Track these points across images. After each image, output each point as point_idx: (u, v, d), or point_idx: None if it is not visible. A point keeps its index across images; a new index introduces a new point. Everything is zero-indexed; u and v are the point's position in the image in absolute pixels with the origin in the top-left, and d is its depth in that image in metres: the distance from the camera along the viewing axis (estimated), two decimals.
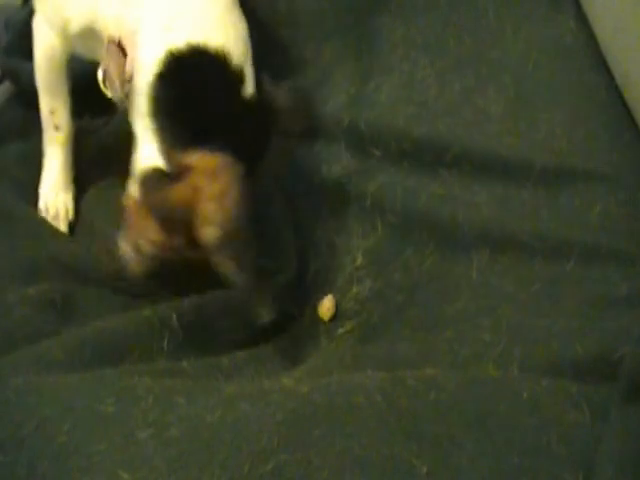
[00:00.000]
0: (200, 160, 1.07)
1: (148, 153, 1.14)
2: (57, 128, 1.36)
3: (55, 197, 1.39)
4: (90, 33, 1.23)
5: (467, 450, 0.86)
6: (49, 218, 1.38)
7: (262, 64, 1.19)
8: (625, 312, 1.08)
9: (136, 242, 1.11)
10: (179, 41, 1.12)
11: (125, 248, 1.12)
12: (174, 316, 1.12)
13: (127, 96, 1.17)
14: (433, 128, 1.36)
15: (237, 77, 1.14)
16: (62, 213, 1.39)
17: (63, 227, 1.38)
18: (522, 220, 1.24)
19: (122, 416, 0.91)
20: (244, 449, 0.86)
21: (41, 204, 1.39)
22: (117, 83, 1.18)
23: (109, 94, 1.21)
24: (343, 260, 1.28)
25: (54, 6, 1.27)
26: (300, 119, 1.24)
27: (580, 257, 1.17)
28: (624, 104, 1.37)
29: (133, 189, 1.14)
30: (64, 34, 1.27)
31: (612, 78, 1.40)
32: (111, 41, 1.18)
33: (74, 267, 1.25)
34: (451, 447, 0.86)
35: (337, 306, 1.25)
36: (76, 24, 1.23)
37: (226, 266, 1.05)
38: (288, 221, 1.32)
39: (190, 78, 1.13)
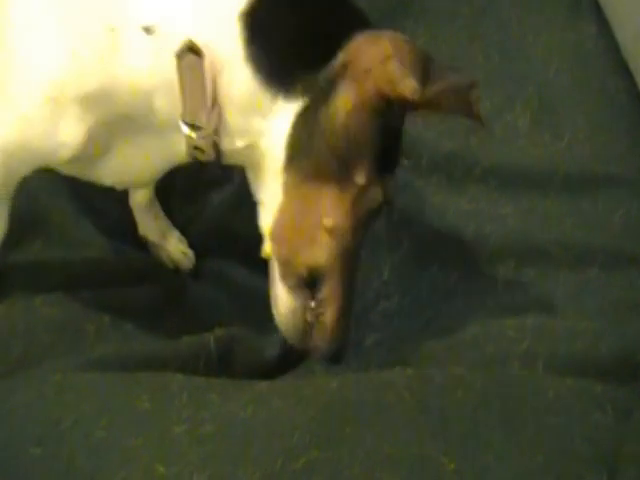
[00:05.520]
0: (352, 48, 0.94)
1: None
2: None
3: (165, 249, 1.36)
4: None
5: (493, 448, 0.88)
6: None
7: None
8: None
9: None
10: None
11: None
12: (212, 340, 1.10)
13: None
14: (464, 143, 1.36)
15: None
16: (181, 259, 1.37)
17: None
18: (547, 230, 1.25)
19: (158, 412, 0.93)
20: (276, 445, 0.88)
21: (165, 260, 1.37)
22: (203, 117, 0.90)
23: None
24: (370, 274, 1.28)
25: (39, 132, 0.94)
26: None
27: (603, 263, 1.19)
28: None
29: None
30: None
31: (633, 83, 1.41)
32: (186, 48, 0.88)
33: (107, 271, 1.25)
34: (478, 445, 0.88)
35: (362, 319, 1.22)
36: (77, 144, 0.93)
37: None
38: None
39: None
